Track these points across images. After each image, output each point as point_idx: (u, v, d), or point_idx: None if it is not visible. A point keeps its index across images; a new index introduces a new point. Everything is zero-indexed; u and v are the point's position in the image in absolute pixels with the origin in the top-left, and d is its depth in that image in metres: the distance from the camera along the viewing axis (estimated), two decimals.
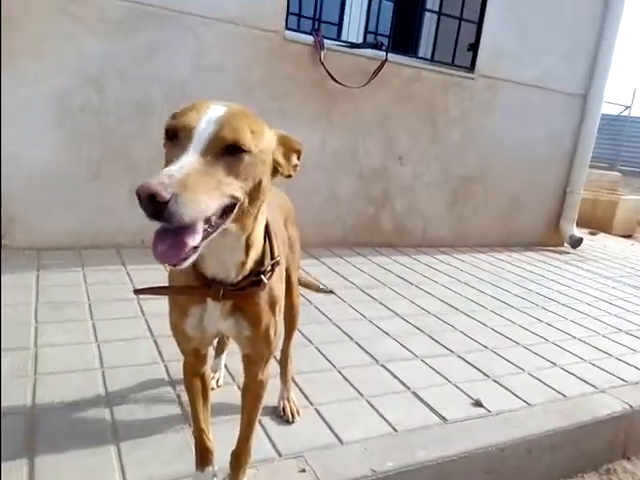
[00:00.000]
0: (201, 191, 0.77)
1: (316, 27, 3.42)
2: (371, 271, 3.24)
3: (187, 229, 0.80)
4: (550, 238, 4.72)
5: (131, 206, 2.51)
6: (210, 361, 1.28)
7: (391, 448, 1.51)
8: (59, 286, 2.37)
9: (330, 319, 2.39)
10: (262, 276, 1.04)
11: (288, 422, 1.56)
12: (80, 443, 1.36)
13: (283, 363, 1.67)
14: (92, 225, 2.93)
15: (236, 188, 0.84)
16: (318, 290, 2.05)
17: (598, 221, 5.97)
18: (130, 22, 2.82)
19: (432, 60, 3.91)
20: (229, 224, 0.89)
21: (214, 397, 1.35)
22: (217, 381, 1.72)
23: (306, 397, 1.72)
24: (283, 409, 1.59)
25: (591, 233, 5.62)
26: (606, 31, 4.34)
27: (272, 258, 1.08)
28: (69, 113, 2.79)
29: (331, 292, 2.36)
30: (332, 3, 4.10)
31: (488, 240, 4.37)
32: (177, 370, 1.72)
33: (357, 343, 2.18)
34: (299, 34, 3.32)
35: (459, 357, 2.18)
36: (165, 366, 1.80)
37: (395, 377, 1.93)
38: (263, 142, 0.90)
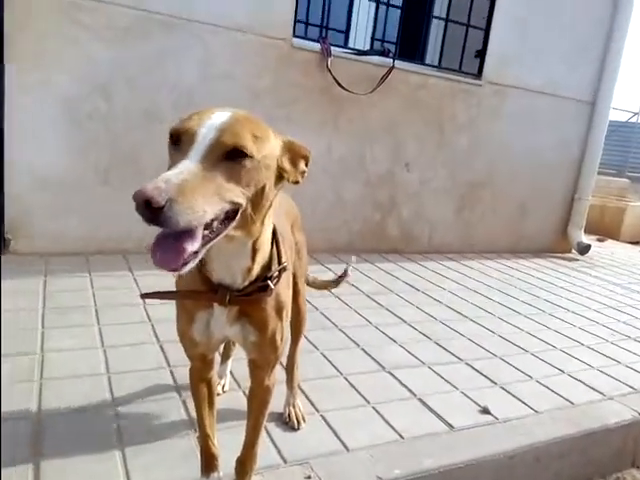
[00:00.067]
0: (198, 196, 0.76)
1: (323, 34, 3.43)
2: (378, 277, 3.23)
3: (186, 235, 0.79)
4: (558, 245, 4.69)
5: None
6: (216, 367, 1.28)
7: (397, 455, 1.50)
8: (66, 291, 2.38)
9: (336, 325, 2.39)
10: (269, 282, 1.04)
11: (294, 429, 1.56)
12: (86, 448, 1.36)
13: (289, 369, 1.67)
14: (99, 231, 2.95)
15: (238, 194, 0.84)
16: (335, 283, 1.83)
17: (606, 228, 5.93)
18: (137, 30, 2.84)
19: (439, 67, 3.92)
20: (232, 230, 0.88)
21: (219, 403, 1.35)
22: (223, 387, 1.72)
23: (312, 403, 1.71)
24: (289, 415, 1.59)
25: (599, 240, 5.58)
26: (614, 37, 4.33)
27: (279, 264, 1.07)
28: (77, 120, 2.82)
29: (344, 276, 1.84)
30: (339, 11, 4.12)
31: (496, 246, 4.35)
32: (183, 376, 1.72)
33: (363, 349, 2.17)
34: (306, 42, 3.34)
35: (466, 364, 2.16)
36: (171, 371, 1.80)
37: (402, 384, 1.92)
38: (267, 148, 0.90)
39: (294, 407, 1.60)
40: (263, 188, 0.89)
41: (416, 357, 2.16)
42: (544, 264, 4.22)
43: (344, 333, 2.31)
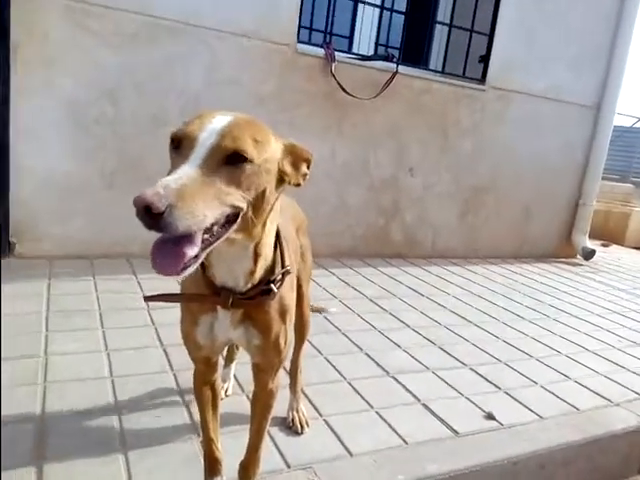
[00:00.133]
0: (198, 201, 0.76)
1: (327, 40, 3.45)
2: (381, 282, 3.23)
3: (185, 239, 0.79)
4: (562, 250, 4.68)
5: None
6: (219, 370, 1.27)
7: (401, 461, 1.49)
8: (70, 295, 2.39)
9: (339, 329, 2.38)
10: (272, 285, 1.04)
11: (297, 433, 1.55)
12: (89, 452, 1.36)
13: (293, 374, 1.67)
14: (104, 235, 2.95)
15: (238, 197, 0.84)
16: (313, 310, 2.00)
17: (610, 233, 5.91)
18: (145, 35, 2.85)
19: (443, 72, 3.92)
20: (233, 233, 0.88)
21: (223, 407, 1.35)
22: (226, 391, 1.72)
23: (315, 408, 1.70)
24: (292, 420, 1.58)
25: (603, 245, 5.56)
26: (619, 42, 4.33)
27: (283, 267, 1.07)
28: (83, 125, 2.83)
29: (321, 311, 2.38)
30: (343, 16, 4.14)
31: (500, 251, 4.34)
32: (186, 379, 1.73)
33: (367, 354, 2.17)
34: (311, 47, 3.35)
35: (471, 369, 2.15)
36: (174, 375, 1.80)
37: (406, 389, 1.91)
38: (267, 151, 0.90)
39: (297, 411, 1.60)
40: (264, 191, 0.89)
41: (420, 362, 2.16)
42: (548, 269, 4.21)
43: (347, 337, 2.31)
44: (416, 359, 2.18)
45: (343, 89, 3.32)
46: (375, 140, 3.65)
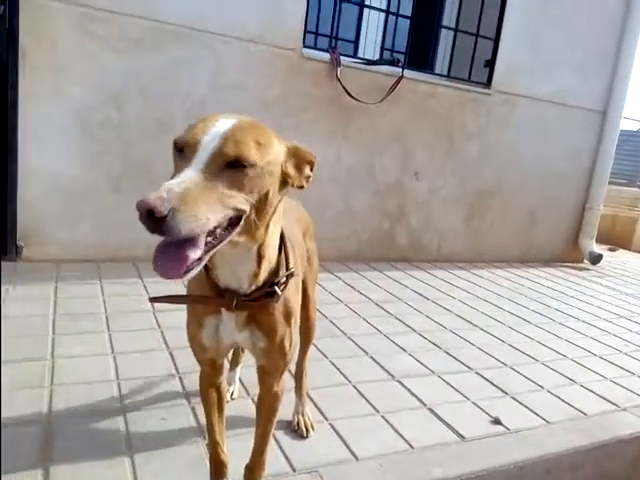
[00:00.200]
0: (200, 205, 0.77)
1: (333, 44, 3.46)
2: (387, 286, 3.23)
3: (188, 242, 0.80)
4: (569, 254, 4.66)
5: None
6: (225, 373, 1.28)
7: (407, 465, 1.48)
8: (76, 298, 2.40)
9: (345, 333, 2.38)
10: (276, 287, 1.04)
11: (302, 437, 1.55)
12: (95, 454, 1.37)
13: (298, 377, 1.66)
14: (111, 238, 2.97)
15: (241, 200, 0.84)
16: None
17: (617, 237, 5.88)
18: (150, 40, 2.87)
19: (448, 76, 3.92)
20: (236, 236, 0.89)
21: (228, 410, 1.35)
22: (232, 394, 1.72)
23: (321, 412, 1.70)
24: (297, 423, 1.58)
25: (610, 249, 5.53)
26: (625, 47, 4.32)
27: (287, 270, 1.07)
28: (89, 130, 2.85)
29: None
30: (349, 21, 4.15)
31: (506, 256, 4.33)
32: (192, 382, 1.73)
33: (372, 358, 2.16)
34: (316, 52, 3.36)
35: (477, 374, 2.14)
36: (180, 378, 1.80)
37: (411, 393, 1.91)
38: (270, 154, 0.90)
39: (303, 415, 1.60)
40: (267, 194, 0.90)
41: (426, 366, 2.15)
42: (554, 273, 4.19)
43: (353, 341, 2.31)
44: (422, 363, 2.17)
45: (348, 93, 3.33)
46: (380, 144, 3.65)
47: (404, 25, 3.83)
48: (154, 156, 2.91)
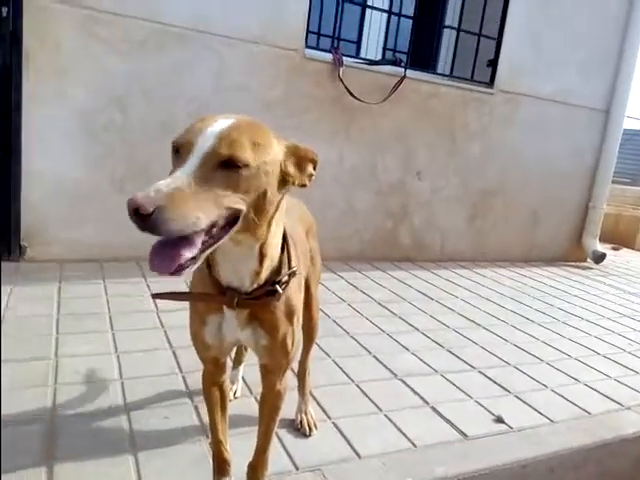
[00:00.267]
0: (190, 204, 0.78)
1: (335, 45, 3.46)
2: (390, 285, 3.23)
3: (183, 241, 0.81)
4: (572, 253, 4.65)
5: None
6: (228, 371, 1.28)
7: (410, 463, 1.49)
8: (80, 298, 2.41)
9: (348, 332, 2.38)
10: (277, 286, 1.04)
11: (305, 435, 1.55)
12: (99, 453, 1.37)
13: (301, 376, 1.67)
14: (114, 239, 2.98)
15: (237, 200, 0.85)
16: None
17: (621, 236, 5.87)
18: (153, 42, 2.88)
19: (451, 76, 3.92)
20: (236, 234, 0.90)
21: (231, 409, 1.35)
22: (234, 393, 1.72)
23: (324, 410, 1.71)
24: (300, 422, 1.58)
25: (614, 248, 5.52)
26: (628, 46, 4.31)
27: (289, 268, 1.07)
28: (93, 132, 2.86)
29: None
30: (351, 21, 4.16)
31: (509, 255, 4.33)
32: (195, 381, 1.74)
33: (375, 357, 2.17)
34: (318, 52, 3.37)
35: (480, 372, 2.14)
36: (183, 377, 1.81)
37: (414, 392, 1.91)
38: (267, 154, 0.90)
39: (306, 414, 1.60)
40: (264, 193, 0.90)
41: (429, 365, 2.15)
42: (558, 272, 4.18)
43: (356, 340, 2.31)
44: (425, 362, 2.17)
45: (351, 94, 3.34)
46: (383, 144, 3.65)
47: (406, 25, 3.84)
48: (157, 158, 2.91)
